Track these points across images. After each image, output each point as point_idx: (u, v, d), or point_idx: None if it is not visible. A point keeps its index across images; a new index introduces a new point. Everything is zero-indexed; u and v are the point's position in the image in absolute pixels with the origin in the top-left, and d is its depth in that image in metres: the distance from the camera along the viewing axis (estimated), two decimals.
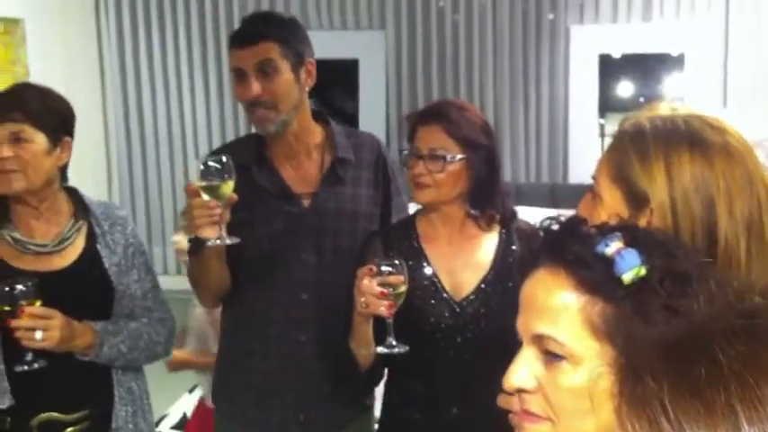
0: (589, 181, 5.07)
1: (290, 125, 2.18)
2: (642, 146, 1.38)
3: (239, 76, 2.15)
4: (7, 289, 1.93)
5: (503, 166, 5.10)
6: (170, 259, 5.69)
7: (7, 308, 1.92)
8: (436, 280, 2.02)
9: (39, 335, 1.92)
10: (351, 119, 5.45)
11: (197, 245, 2.09)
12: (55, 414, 2.06)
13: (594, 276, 1.02)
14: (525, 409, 1.07)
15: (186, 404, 3.77)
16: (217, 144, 5.51)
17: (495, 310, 2.01)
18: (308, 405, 2.22)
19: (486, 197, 2.07)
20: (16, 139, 2.01)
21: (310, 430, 2.25)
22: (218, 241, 1.97)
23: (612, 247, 1.03)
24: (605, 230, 1.06)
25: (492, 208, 2.08)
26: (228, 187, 1.94)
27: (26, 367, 1.95)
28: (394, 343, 1.90)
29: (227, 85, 5.44)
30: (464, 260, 2.07)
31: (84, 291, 2.12)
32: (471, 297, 2.02)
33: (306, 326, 2.21)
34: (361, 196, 2.26)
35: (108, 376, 2.15)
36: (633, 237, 1.05)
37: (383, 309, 1.84)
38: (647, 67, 5.53)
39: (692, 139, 1.37)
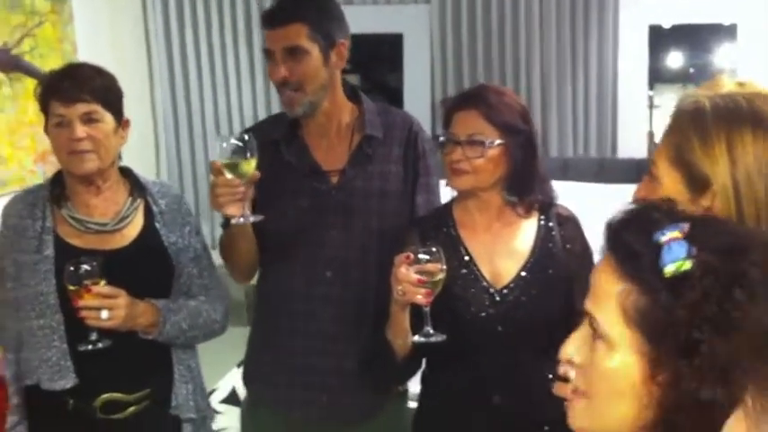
0: (638, 155, 5.02)
1: (320, 106, 2.17)
2: (702, 126, 1.34)
3: (269, 56, 2.14)
4: (72, 269, 1.93)
5: (549, 141, 5.08)
6: (218, 234, 5.72)
7: (72, 287, 1.92)
8: (475, 268, 1.98)
9: (104, 314, 1.93)
10: (395, 94, 5.43)
11: (227, 221, 2.10)
12: (117, 394, 2.07)
13: (637, 265, 1.02)
14: (574, 387, 1.10)
15: (235, 378, 3.81)
16: (262, 115, 5.54)
17: (536, 298, 1.98)
18: (332, 387, 2.21)
19: (524, 183, 2.03)
20: (88, 120, 2.01)
21: (335, 413, 2.23)
22: (241, 219, 1.97)
23: (667, 236, 1.01)
24: (676, 218, 1.04)
25: (530, 194, 2.04)
26: (251, 165, 1.93)
27: (90, 347, 1.96)
28: (431, 332, 1.88)
29: None
30: (503, 248, 2.03)
31: (144, 269, 2.12)
32: (511, 285, 1.99)
33: (330, 304, 2.20)
34: (390, 173, 2.23)
35: (168, 354, 2.16)
36: (699, 229, 1.02)
37: (420, 297, 1.81)
38: (697, 37, 5.41)
39: (754, 118, 1.32)
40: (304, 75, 2.11)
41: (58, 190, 2.12)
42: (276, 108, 5.43)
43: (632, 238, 1.03)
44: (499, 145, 1.95)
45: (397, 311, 1.89)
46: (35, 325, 2.03)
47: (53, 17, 4.70)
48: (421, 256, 1.82)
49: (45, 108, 2.04)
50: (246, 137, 1.94)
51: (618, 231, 1.06)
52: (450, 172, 2.00)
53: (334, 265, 2.19)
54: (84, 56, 4.90)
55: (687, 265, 0.99)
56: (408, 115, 2.35)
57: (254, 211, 2.01)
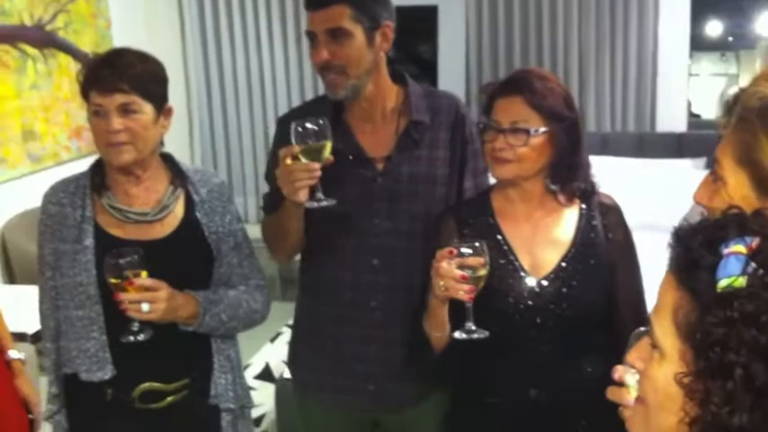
0: (678, 129, 4.93)
1: (364, 89, 2.10)
2: None
3: (311, 38, 2.08)
4: (113, 261, 1.88)
5: (587, 115, 4.99)
6: (251, 209, 5.75)
7: (113, 280, 1.88)
8: (513, 258, 1.92)
9: (145, 307, 1.89)
10: (429, 67, 5.36)
11: (273, 203, 2.06)
12: (156, 384, 2.04)
13: (695, 275, 0.97)
14: (636, 394, 1.08)
15: (269, 354, 3.80)
16: (295, 94, 5.53)
17: (577, 289, 1.90)
18: (379, 376, 2.18)
19: (568, 171, 1.95)
20: (126, 111, 1.95)
21: (381, 402, 2.20)
22: (314, 203, 1.94)
23: (731, 248, 0.95)
24: (747, 231, 0.98)
25: (573, 182, 1.98)
26: (327, 149, 1.89)
27: (132, 338, 1.93)
28: (473, 328, 1.82)
29: (305, 38, 5.40)
30: (543, 237, 1.96)
31: (185, 259, 2.07)
32: (551, 276, 1.91)
33: (376, 292, 2.16)
34: (438, 159, 2.16)
35: (207, 345, 2.13)
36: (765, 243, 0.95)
37: (463, 293, 1.77)
38: (737, 4, 5.28)
39: None
40: (347, 58, 2.04)
41: (98, 179, 2.07)
42: (308, 79, 5.42)
43: (696, 248, 0.98)
44: (544, 133, 1.88)
45: (438, 306, 1.85)
46: (74, 315, 2.01)
47: None
48: (463, 250, 1.77)
49: (85, 96, 1.99)
50: (321, 121, 1.90)
51: (684, 239, 1.01)
52: (491, 160, 1.93)
53: (380, 253, 2.14)
54: (118, 31, 4.90)
55: (740, 281, 0.93)
56: (454, 97, 2.29)
57: None
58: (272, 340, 3.94)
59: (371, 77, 2.09)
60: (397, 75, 2.21)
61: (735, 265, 0.94)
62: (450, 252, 1.76)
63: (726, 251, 0.95)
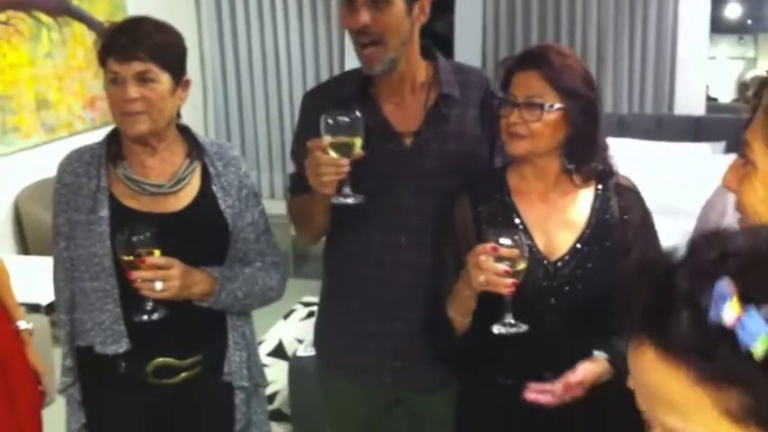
0: (696, 112, 4.85)
1: (399, 63, 2.06)
2: None
3: (349, 2, 2.01)
4: (125, 238, 1.85)
5: (604, 96, 4.93)
6: (264, 183, 5.73)
7: (126, 258, 1.86)
8: (528, 239, 1.89)
9: (158, 285, 1.86)
10: (445, 42, 5.31)
11: (300, 185, 2.03)
12: (170, 359, 2.02)
13: (720, 364, 0.80)
14: None
15: (282, 330, 3.80)
16: (310, 67, 5.48)
17: (592, 271, 1.87)
18: (405, 353, 2.16)
19: (584, 151, 1.91)
20: (142, 79, 1.91)
21: (408, 380, 2.18)
22: (341, 199, 1.90)
23: (728, 313, 0.78)
24: (707, 274, 0.81)
25: (590, 162, 1.94)
26: (357, 144, 1.84)
27: (145, 317, 1.90)
28: (512, 322, 1.78)
29: (320, 14, 5.36)
30: (558, 218, 1.92)
31: (200, 233, 2.04)
32: (566, 257, 1.88)
33: (405, 270, 2.13)
34: (467, 135, 2.11)
35: (222, 321, 2.10)
36: (747, 277, 0.79)
37: (504, 288, 1.73)
38: None
39: None
40: (386, 25, 1.97)
41: (114, 148, 2.04)
42: (323, 52, 5.37)
43: (689, 329, 0.80)
44: (559, 109, 1.83)
45: (469, 296, 1.82)
46: (88, 287, 1.99)
47: None
48: (502, 241, 1.74)
49: (103, 63, 1.94)
50: (354, 114, 1.84)
51: (667, 320, 0.82)
52: (506, 135, 1.89)
53: (408, 230, 2.10)
54: (134, 2, 4.85)
55: None
56: (483, 74, 2.24)
57: None
58: (286, 317, 3.94)
59: (405, 50, 2.05)
60: (427, 50, 2.17)
61: (755, 323, 0.78)
62: (495, 249, 1.73)
63: (728, 319, 0.79)
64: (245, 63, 5.60)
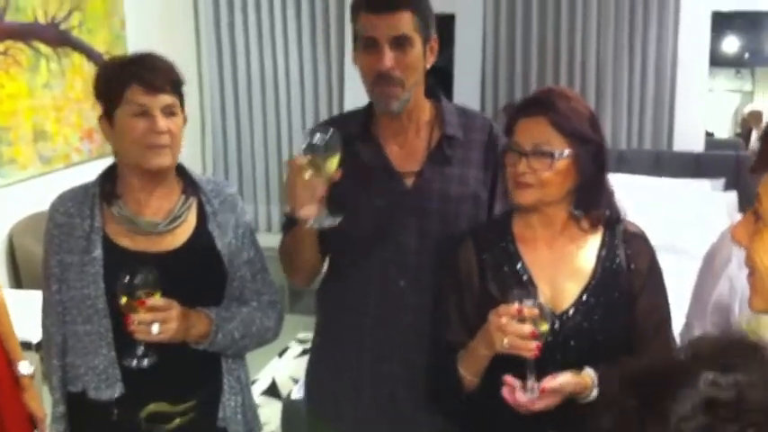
0: (696, 148, 4.81)
1: (410, 102, 2.05)
2: None
3: (370, 45, 1.96)
4: (127, 279, 1.80)
5: (603, 131, 4.90)
6: (261, 217, 5.70)
7: (125, 299, 1.80)
8: (529, 287, 1.83)
9: (155, 328, 1.81)
10: (444, 74, 5.31)
11: (291, 221, 2.00)
12: (164, 404, 1.97)
13: None
14: None
15: (276, 369, 3.74)
16: (309, 102, 5.49)
17: (599, 323, 1.82)
18: (402, 399, 2.10)
19: (592, 196, 1.86)
20: (169, 113, 1.91)
21: (404, 428, 2.13)
22: (315, 224, 1.87)
23: None
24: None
25: (598, 208, 1.90)
26: (333, 163, 1.80)
27: (135, 363, 1.85)
28: (536, 386, 1.71)
29: (320, 42, 5.36)
30: (565, 267, 1.87)
31: (196, 273, 2.00)
32: (572, 311, 1.82)
33: (403, 313, 2.09)
34: (469, 178, 2.08)
35: (218, 365, 2.06)
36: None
37: (528, 351, 1.68)
38: (755, 22, 5.24)
39: None
40: (408, 68, 1.96)
41: (108, 186, 2.01)
42: (322, 84, 5.36)
43: None
44: (568, 156, 1.79)
45: (485, 356, 1.77)
46: (81, 330, 1.95)
47: None
48: (526, 302, 1.69)
49: (118, 94, 1.90)
50: (331, 132, 1.81)
51: None
52: (513, 185, 1.83)
53: (408, 273, 2.07)
54: (133, 31, 4.85)
55: None
56: (487, 118, 2.22)
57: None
58: (280, 355, 3.89)
59: (416, 91, 2.04)
60: (431, 90, 2.15)
61: None
62: (520, 311, 1.68)
63: None
64: (245, 94, 5.59)
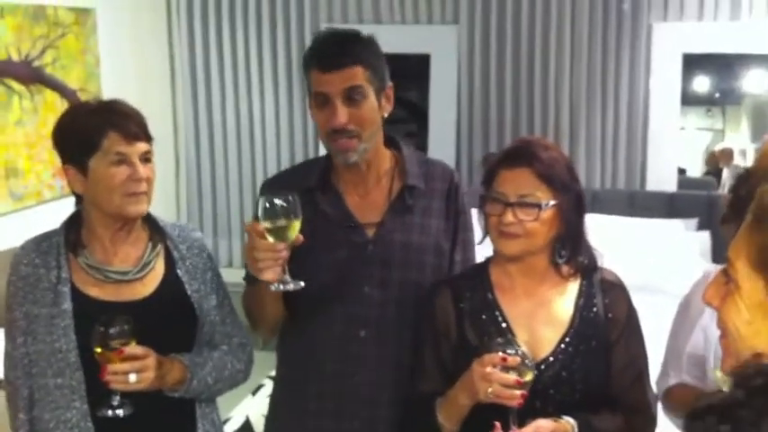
0: (668, 188, 4.85)
1: (369, 152, 2.04)
2: None
3: (323, 101, 1.97)
4: (102, 330, 1.77)
5: (577, 171, 4.93)
6: (235, 252, 5.66)
7: (99, 350, 1.78)
8: (511, 337, 1.83)
9: (132, 377, 1.78)
10: (421, 114, 5.33)
11: (252, 278, 1.99)
12: None
13: None
14: None
15: (250, 407, 3.69)
16: (284, 139, 5.47)
17: (578, 372, 1.83)
18: None
19: (573, 244, 1.89)
20: (146, 160, 1.93)
21: None
22: (280, 286, 1.83)
23: None
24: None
25: (578, 256, 1.90)
26: (295, 228, 1.80)
27: (110, 413, 1.81)
28: None
29: (296, 87, 5.37)
30: (543, 314, 1.88)
31: (167, 320, 1.97)
32: (551, 359, 1.83)
33: (364, 365, 2.06)
34: (431, 227, 2.08)
35: (192, 410, 2.03)
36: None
37: (513, 399, 1.68)
38: (724, 62, 5.34)
39: None
40: (363, 120, 1.97)
41: (73, 236, 1.98)
42: (298, 123, 5.39)
43: None
44: (554, 206, 1.81)
45: (466, 405, 1.77)
46: (52, 383, 1.90)
47: (76, 29, 4.63)
48: (510, 351, 1.70)
49: (95, 143, 1.88)
50: (291, 197, 1.80)
51: None
52: (497, 234, 1.84)
53: (369, 323, 2.05)
54: (107, 68, 4.83)
55: None
56: (448, 167, 2.22)
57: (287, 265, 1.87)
58: (254, 393, 3.83)
59: (373, 141, 2.03)
60: (390, 138, 2.15)
61: None
62: (504, 359, 1.68)
63: None
64: (219, 129, 5.56)
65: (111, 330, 1.78)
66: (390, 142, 2.14)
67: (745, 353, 1.16)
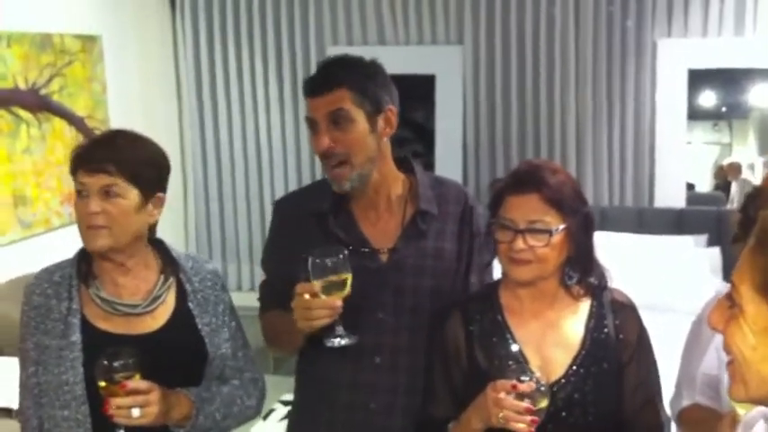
0: (676, 204, 4.83)
1: (369, 177, 2.01)
2: None
3: (312, 126, 1.99)
4: (106, 363, 1.75)
5: (585, 189, 4.93)
6: (244, 275, 5.66)
7: (104, 383, 1.75)
8: (523, 361, 1.81)
9: (136, 412, 1.75)
10: (427, 135, 5.34)
11: (273, 299, 1.97)
12: None
13: None
14: None
15: (261, 430, 3.69)
16: (291, 160, 5.48)
17: (590, 395, 1.81)
18: None
19: (584, 266, 1.88)
20: (107, 193, 1.84)
21: None
22: (335, 341, 1.87)
23: None
24: None
25: (589, 277, 1.89)
26: (348, 282, 1.82)
27: None
28: None
29: (302, 108, 5.38)
30: (553, 337, 1.86)
31: (176, 354, 1.94)
32: (563, 381, 1.81)
33: (377, 393, 2.05)
34: (445, 251, 2.07)
35: None
36: None
37: (524, 426, 1.66)
38: (730, 77, 5.34)
39: None
40: (349, 145, 1.96)
41: (84, 266, 1.96)
42: (305, 145, 5.42)
43: None
44: (563, 230, 1.79)
45: (479, 429, 1.75)
46: (59, 415, 1.88)
47: (83, 56, 4.66)
48: (523, 378, 1.68)
49: (74, 174, 1.88)
50: (341, 255, 1.82)
51: None
52: (508, 261, 1.83)
53: (383, 350, 2.03)
54: (114, 95, 4.86)
55: None
56: (462, 188, 2.20)
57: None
58: (265, 417, 3.83)
59: (376, 165, 2.02)
60: (404, 162, 2.14)
61: None
62: (514, 387, 1.67)
63: None
64: (227, 154, 5.59)
65: (116, 364, 1.76)
66: (404, 165, 2.13)
67: (753, 379, 1.15)
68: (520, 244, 1.79)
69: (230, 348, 2.03)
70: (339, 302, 1.81)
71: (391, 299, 2.03)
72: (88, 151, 1.88)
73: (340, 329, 1.86)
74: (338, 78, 1.95)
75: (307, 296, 1.81)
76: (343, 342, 1.87)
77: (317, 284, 1.79)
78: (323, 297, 1.80)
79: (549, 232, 1.78)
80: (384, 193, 2.07)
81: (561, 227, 1.79)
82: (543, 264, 1.80)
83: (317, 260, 1.80)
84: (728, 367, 1.22)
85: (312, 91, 1.98)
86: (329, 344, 1.86)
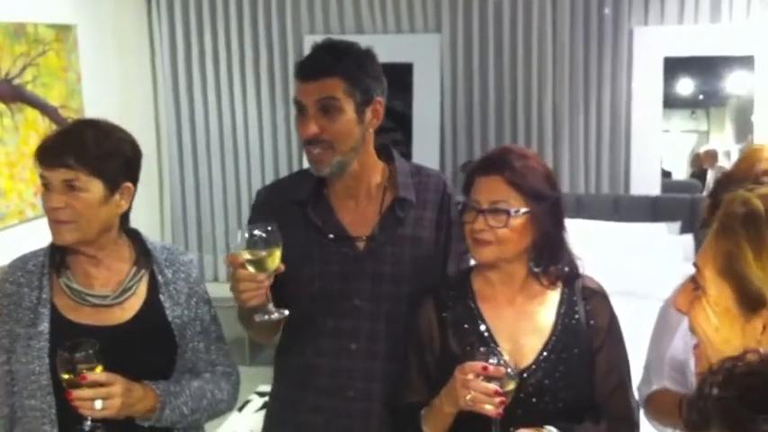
0: (652, 192, 4.87)
1: (349, 166, 2.01)
2: (757, 234, 1.18)
3: (300, 110, 1.98)
4: (66, 355, 1.74)
5: (561, 176, 4.96)
6: (220, 267, 5.64)
7: (66, 375, 1.74)
8: (494, 346, 1.82)
9: (98, 404, 1.74)
10: (405, 123, 5.34)
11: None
12: None
13: None
14: None
15: (236, 423, 3.68)
16: (268, 150, 5.46)
17: (560, 381, 1.82)
18: None
19: (551, 253, 1.88)
20: (69, 187, 1.82)
21: None
22: (265, 317, 1.84)
23: None
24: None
25: (557, 264, 1.90)
26: (275, 258, 1.80)
27: None
28: None
29: (278, 95, 5.37)
30: (525, 323, 1.87)
31: (145, 346, 1.92)
32: (533, 367, 1.83)
33: (354, 379, 2.06)
34: (423, 239, 2.07)
35: None
36: None
37: (492, 408, 1.67)
38: (708, 65, 5.37)
39: None
40: (336, 133, 1.96)
41: (57, 256, 1.94)
42: (282, 136, 5.40)
43: None
44: (525, 213, 1.81)
45: (449, 413, 1.76)
46: (27, 404, 1.87)
47: (57, 45, 4.61)
48: (492, 360, 1.69)
49: (37, 167, 1.87)
50: (270, 228, 1.80)
51: None
52: (471, 242, 1.85)
53: (359, 337, 2.04)
54: (89, 85, 4.82)
55: None
56: (442, 176, 2.21)
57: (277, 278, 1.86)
58: (240, 409, 3.82)
59: (358, 154, 2.02)
60: (383, 150, 2.14)
61: None
62: (485, 369, 1.68)
63: None
64: (203, 144, 5.56)
65: (77, 355, 1.74)
66: (383, 153, 2.13)
67: (717, 359, 1.17)
68: (480, 224, 1.80)
69: (202, 342, 2.02)
70: (263, 276, 1.79)
71: (369, 286, 2.04)
72: (50, 145, 1.86)
73: (270, 306, 1.84)
74: (332, 66, 1.95)
75: (237, 269, 1.79)
76: (274, 317, 1.85)
77: (243, 255, 1.78)
78: (250, 269, 1.79)
79: (508, 212, 1.79)
80: (364, 181, 2.08)
81: (523, 210, 1.80)
82: (503, 245, 1.81)
83: (246, 233, 1.79)
84: (695, 351, 1.25)
85: (304, 75, 1.97)
86: (258, 319, 1.85)
